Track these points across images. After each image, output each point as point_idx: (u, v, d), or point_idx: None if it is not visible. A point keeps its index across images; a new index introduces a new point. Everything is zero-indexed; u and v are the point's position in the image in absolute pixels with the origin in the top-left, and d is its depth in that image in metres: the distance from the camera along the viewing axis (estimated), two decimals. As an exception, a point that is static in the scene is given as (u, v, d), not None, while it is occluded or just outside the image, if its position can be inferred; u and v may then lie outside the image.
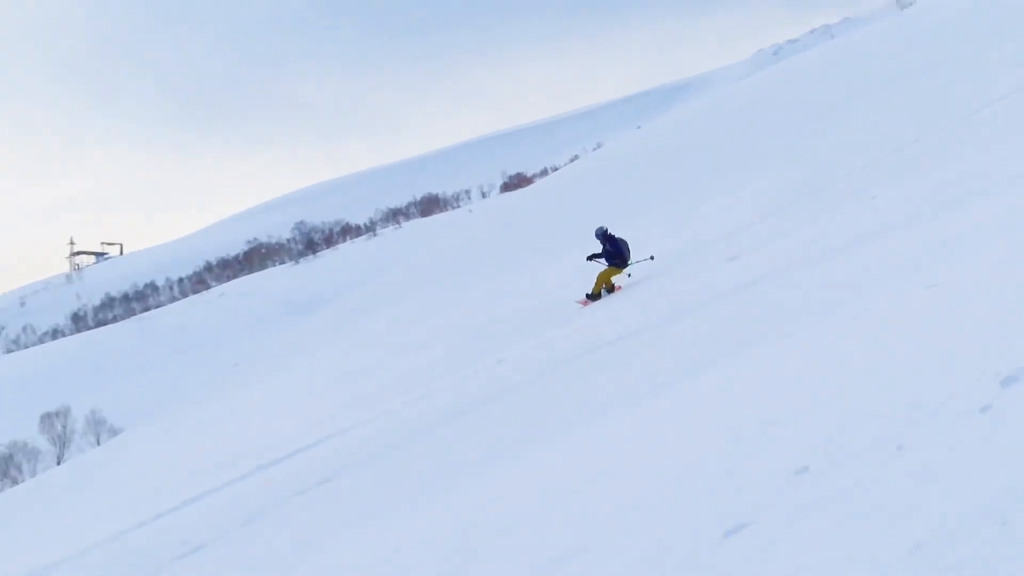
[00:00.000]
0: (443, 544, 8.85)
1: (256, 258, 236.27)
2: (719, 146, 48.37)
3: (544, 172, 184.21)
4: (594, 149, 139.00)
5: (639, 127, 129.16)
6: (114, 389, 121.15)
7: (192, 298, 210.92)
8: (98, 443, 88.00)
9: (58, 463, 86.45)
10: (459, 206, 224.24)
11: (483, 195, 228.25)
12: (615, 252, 25.57)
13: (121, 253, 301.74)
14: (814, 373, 8.99)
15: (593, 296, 25.64)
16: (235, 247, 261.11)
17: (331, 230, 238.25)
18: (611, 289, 25.73)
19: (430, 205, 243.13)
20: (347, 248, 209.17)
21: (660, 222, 33.95)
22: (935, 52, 43.97)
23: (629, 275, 26.08)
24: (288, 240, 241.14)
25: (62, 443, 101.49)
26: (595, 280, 25.87)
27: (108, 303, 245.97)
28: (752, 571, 5.24)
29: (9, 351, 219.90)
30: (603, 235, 25.87)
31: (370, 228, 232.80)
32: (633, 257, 26.20)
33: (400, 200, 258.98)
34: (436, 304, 40.54)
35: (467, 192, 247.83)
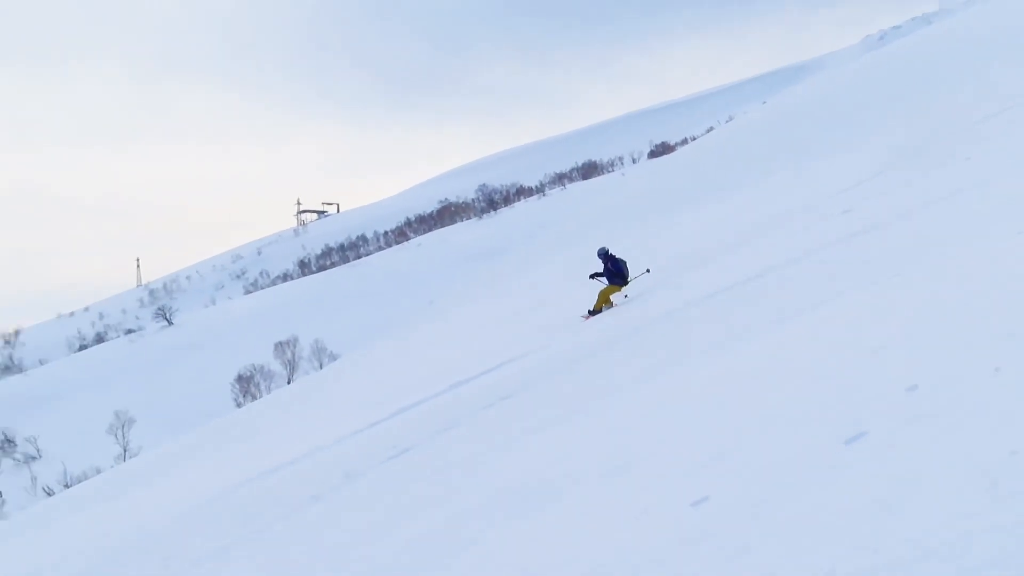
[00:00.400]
0: (606, 449, 8.91)
1: (447, 214, 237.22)
2: (833, 117, 47.39)
3: (684, 141, 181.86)
4: (727, 121, 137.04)
5: (764, 102, 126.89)
6: (333, 322, 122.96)
7: (395, 247, 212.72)
8: (320, 367, 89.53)
9: (288, 382, 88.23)
10: (613, 170, 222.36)
11: (633, 161, 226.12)
12: (616, 271, 24.03)
13: (338, 211, 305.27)
14: (921, 307, 8.89)
15: (594, 311, 23.91)
16: (429, 205, 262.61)
17: (508, 191, 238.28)
18: (609, 306, 23.93)
19: (590, 170, 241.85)
20: (521, 206, 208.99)
21: (782, 181, 33.39)
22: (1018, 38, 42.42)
23: (626, 296, 24.09)
24: (472, 200, 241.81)
25: (291, 366, 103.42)
26: (597, 296, 24.17)
27: (327, 252, 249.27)
28: (872, 472, 5.25)
29: (248, 292, 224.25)
30: (605, 255, 24.35)
31: (540, 189, 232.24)
32: (631, 274, 24.67)
33: (565, 166, 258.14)
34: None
35: (620, 158, 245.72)
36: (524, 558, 6.80)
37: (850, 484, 5.32)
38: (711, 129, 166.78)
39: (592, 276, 24.90)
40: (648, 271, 24.74)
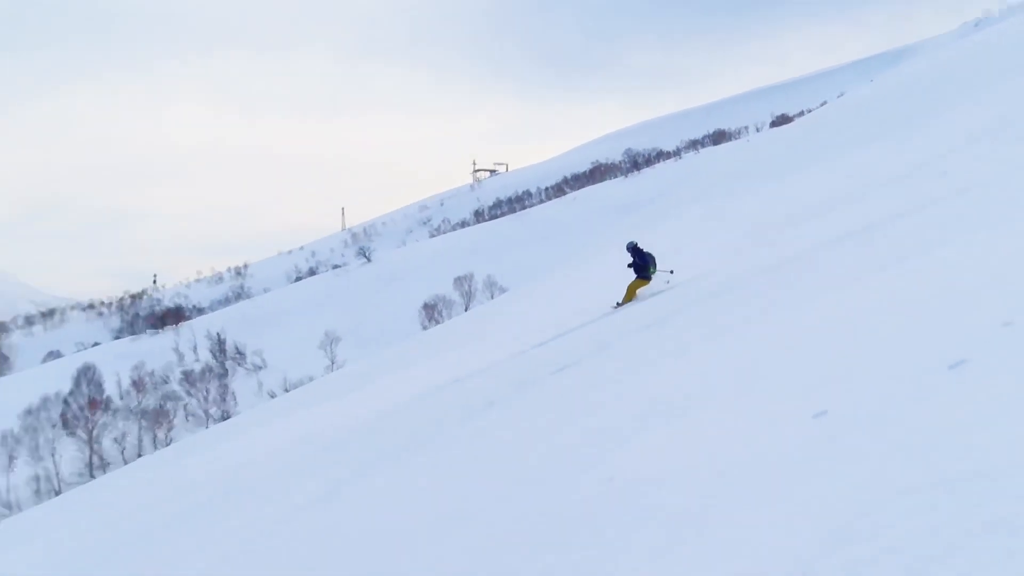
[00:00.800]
0: (737, 370, 8.85)
1: (597, 173, 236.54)
2: (930, 95, 45.85)
3: (801, 113, 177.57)
4: (838, 96, 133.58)
5: (872, 80, 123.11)
6: (502, 261, 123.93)
7: (554, 200, 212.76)
8: (492, 297, 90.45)
9: (465, 310, 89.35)
10: (739, 137, 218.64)
11: (757, 130, 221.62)
12: (642, 264, 21.59)
13: (507, 170, 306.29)
14: (1011, 256, 8.63)
15: (623, 303, 21.45)
16: (583, 166, 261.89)
17: (649, 154, 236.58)
18: (630, 300, 21.49)
19: (719, 136, 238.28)
20: (660, 167, 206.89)
21: (887, 148, 32.39)
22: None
23: (668, 281, 21.45)
24: (619, 161, 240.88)
25: (468, 297, 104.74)
26: (626, 290, 21.71)
27: (498, 204, 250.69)
28: (972, 393, 5.15)
29: (432, 235, 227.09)
30: (633, 249, 21.92)
31: (676, 153, 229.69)
32: (658, 268, 22.10)
33: (698, 133, 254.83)
34: (726, 204, 40.01)
35: (745, 127, 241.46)
36: (674, 453, 6.85)
37: (953, 402, 5.26)
38: (824, 103, 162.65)
39: (630, 266, 22.15)
40: (672, 272, 21.76)
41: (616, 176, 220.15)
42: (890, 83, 72.66)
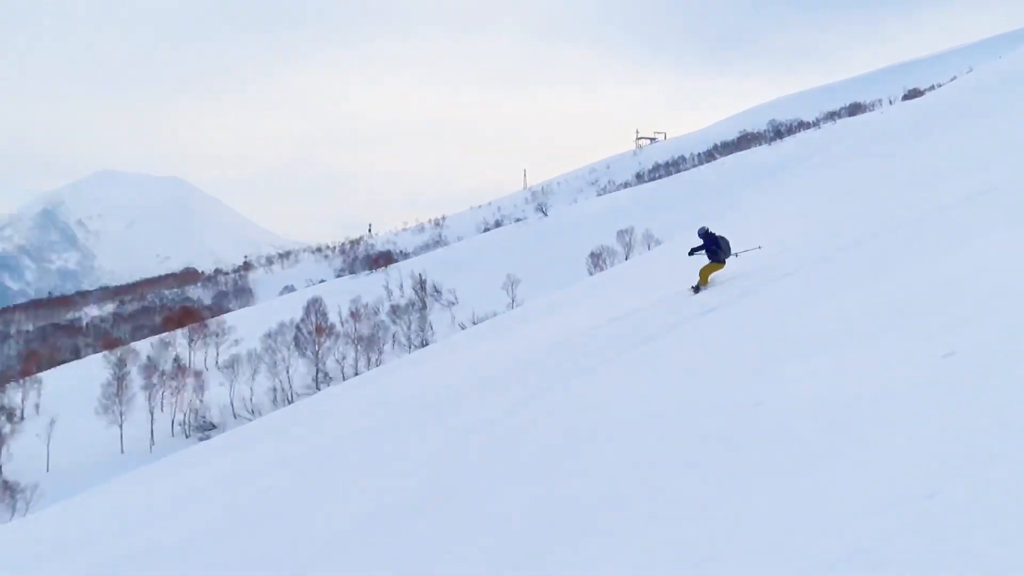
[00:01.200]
0: (873, 314, 8.56)
1: (743, 141, 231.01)
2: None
3: (931, 87, 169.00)
4: (967, 72, 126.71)
5: (1000, 57, 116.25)
6: (659, 217, 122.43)
7: (705, 165, 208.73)
8: (648, 248, 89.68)
9: (625, 259, 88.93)
10: (873, 109, 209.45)
11: (890, 102, 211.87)
12: (717, 248, 18.57)
13: (665, 138, 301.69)
14: None
15: (698, 288, 18.36)
16: (731, 134, 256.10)
17: (791, 124, 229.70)
18: (704, 285, 18.45)
19: (855, 108, 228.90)
20: (801, 135, 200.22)
21: (1011, 119, 30.52)
22: None
23: (736, 254, 18.99)
24: (764, 130, 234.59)
25: (628, 248, 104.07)
26: (699, 274, 18.63)
27: (656, 167, 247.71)
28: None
29: (599, 194, 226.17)
30: (705, 234, 18.96)
31: (815, 123, 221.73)
32: (738, 248, 19.54)
33: (835, 106, 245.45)
34: (859, 168, 38.52)
35: (879, 100, 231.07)
36: (814, 384, 6.69)
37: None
38: (954, 78, 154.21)
39: (691, 253, 19.48)
40: (759, 247, 19.59)
41: (760, 144, 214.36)
42: (1018, 61, 68.54)
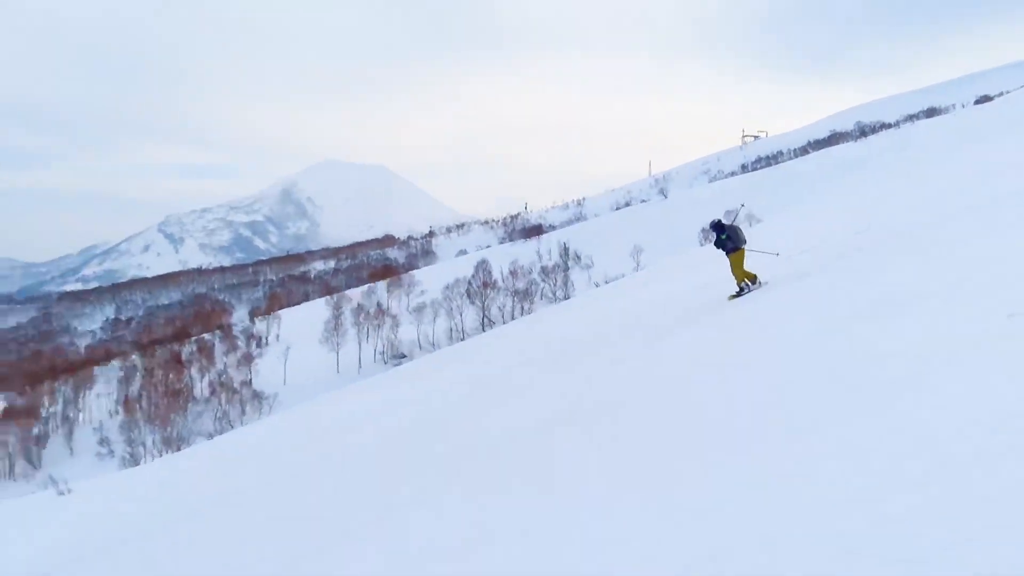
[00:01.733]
0: (948, 278, 8.10)
1: (833, 139, 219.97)
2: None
3: (1000, 94, 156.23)
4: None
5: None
6: (760, 199, 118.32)
7: (800, 158, 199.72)
8: (750, 226, 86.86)
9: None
10: (948, 112, 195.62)
11: (963, 106, 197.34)
12: (731, 236, 13.96)
13: (766, 136, 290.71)
14: None
15: (741, 290, 13.71)
16: (823, 133, 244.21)
17: (875, 124, 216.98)
18: (752, 279, 13.75)
19: (931, 112, 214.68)
20: (884, 133, 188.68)
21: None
22: None
23: (778, 254, 15.69)
24: (850, 131, 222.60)
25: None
26: (734, 275, 13.98)
27: (758, 160, 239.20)
28: None
29: (711, 181, 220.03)
30: (716, 226, 14.27)
31: (896, 124, 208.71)
32: (754, 245, 15.57)
33: (913, 109, 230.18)
34: (935, 161, 36.25)
35: (952, 105, 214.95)
36: (893, 335, 6.42)
37: None
38: (1022, 86, 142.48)
39: (717, 246, 14.35)
40: (777, 254, 15.83)
41: (847, 142, 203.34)
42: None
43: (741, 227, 14.58)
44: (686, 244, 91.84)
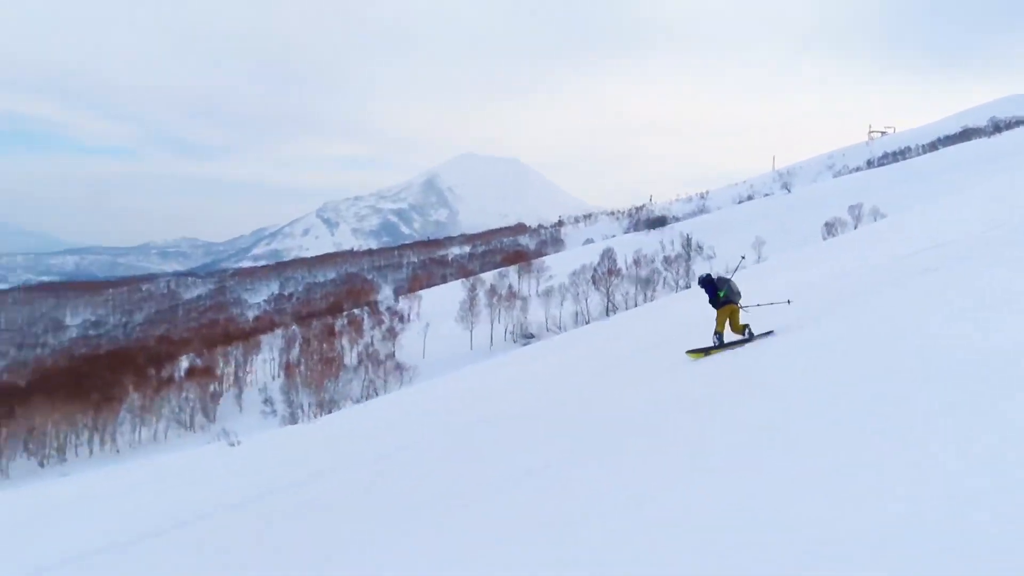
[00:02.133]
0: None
1: (965, 135, 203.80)
2: None
3: None
4: None
5: None
6: (884, 197, 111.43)
7: (929, 154, 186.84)
8: (875, 220, 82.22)
9: (854, 228, 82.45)
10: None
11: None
12: (717, 292, 11.77)
13: (894, 131, 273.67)
14: None
15: (745, 338, 11.57)
16: (953, 129, 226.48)
17: (1010, 120, 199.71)
18: (741, 330, 11.65)
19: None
20: (1020, 130, 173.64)
21: None
22: None
23: (789, 302, 13.07)
24: (983, 126, 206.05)
25: (857, 219, 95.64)
26: (730, 331, 11.86)
27: (884, 156, 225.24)
28: None
29: (835, 176, 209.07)
30: (705, 280, 12.07)
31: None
32: (750, 300, 13.68)
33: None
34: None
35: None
36: (931, 323, 6.15)
37: None
38: None
39: (712, 304, 12.07)
40: (789, 302, 13.04)
41: (980, 137, 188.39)
42: None
43: (734, 280, 12.63)
44: (809, 238, 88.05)
